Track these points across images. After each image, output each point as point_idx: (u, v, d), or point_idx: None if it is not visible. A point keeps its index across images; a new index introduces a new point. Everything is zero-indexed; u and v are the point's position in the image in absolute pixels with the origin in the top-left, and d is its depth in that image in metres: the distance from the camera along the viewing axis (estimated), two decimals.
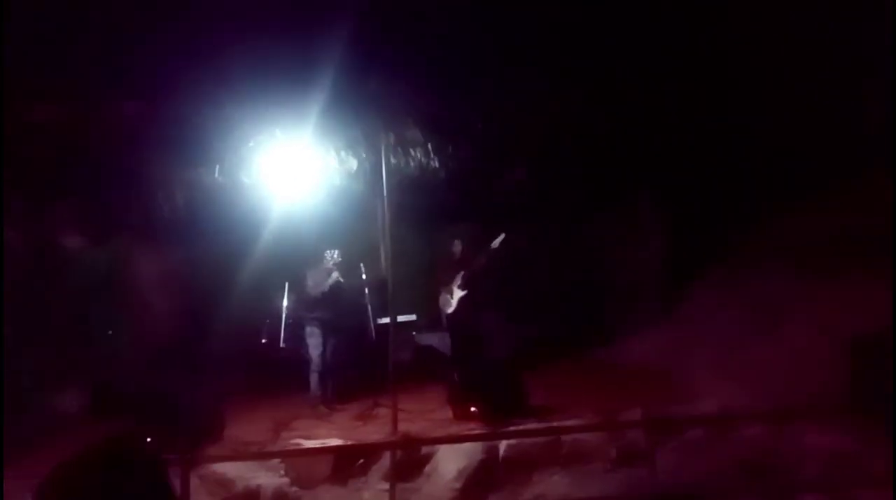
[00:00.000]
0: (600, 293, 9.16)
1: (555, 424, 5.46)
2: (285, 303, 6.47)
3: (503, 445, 5.28)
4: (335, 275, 6.68)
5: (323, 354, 6.73)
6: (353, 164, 6.29)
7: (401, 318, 8.03)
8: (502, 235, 7.40)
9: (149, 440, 5.60)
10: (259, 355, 7.96)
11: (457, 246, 7.76)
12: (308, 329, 6.77)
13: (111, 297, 8.59)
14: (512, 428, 5.48)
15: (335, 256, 6.69)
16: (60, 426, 7.10)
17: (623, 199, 8.45)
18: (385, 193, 5.59)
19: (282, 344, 6.60)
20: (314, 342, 6.73)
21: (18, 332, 7.52)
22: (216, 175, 5.82)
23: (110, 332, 8.67)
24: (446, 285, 7.58)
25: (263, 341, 8.04)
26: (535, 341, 8.25)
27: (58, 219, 8.06)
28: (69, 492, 0.93)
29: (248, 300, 7.55)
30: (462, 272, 7.42)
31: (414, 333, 8.58)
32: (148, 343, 8.69)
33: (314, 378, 6.73)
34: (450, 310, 7.55)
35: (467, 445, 5.35)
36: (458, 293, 7.48)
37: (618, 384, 6.82)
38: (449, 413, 6.01)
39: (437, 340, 8.53)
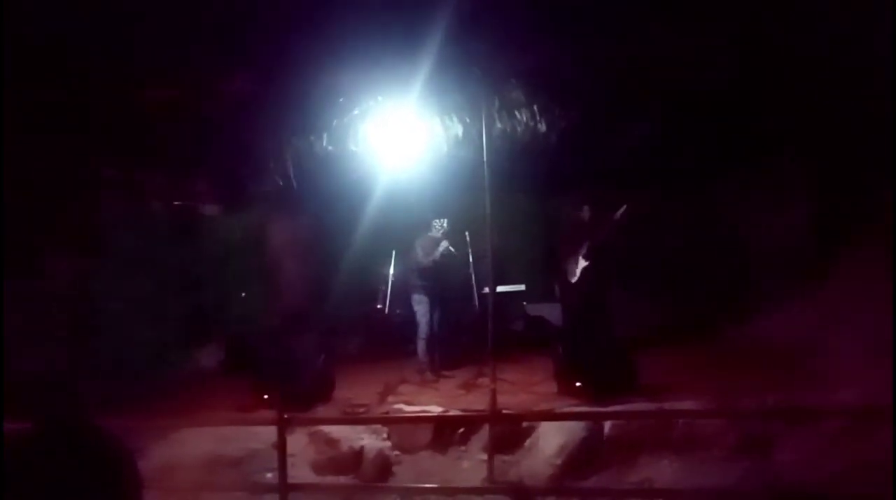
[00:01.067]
0: (735, 265, 8.37)
1: (665, 406, 5.08)
2: (392, 271, 6.53)
3: (608, 424, 5.03)
4: (444, 244, 6.66)
5: (430, 322, 6.78)
6: (458, 130, 6.13)
7: (508, 288, 7.92)
8: (624, 207, 6.95)
9: (266, 396, 6.03)
10: (373, 321, 8.24)
11: (585, 212, 7.40)
12: (416, 297, 6.84)
13: (245, 261, 9.28)
14: (617, 408, 5.18)
15: (444, 225, 6.65)
16: (200, 378, 7.86)
17: (761, 156, 7.58)
18: (489, 160, 5.39)
19: (389, 311, 6.70)
20: (422, 310, 6.79)
21: (162, 292, 8.36)
22: (325, 144, 5.93)
23: (244, 294, 9.40)
24: (571, 256, 7.27)
25: (379, 307, 8.31)
26: (662, 318, 7.74)
27: (195, 191, 8.79)
28: None
29: (360, 268, 7.78)
30: (587, 242, 7.07)
31: (525, 303, 8.42)
32: (276, 306, 9.33)
33: (421, 345, 6.81)
34: (573, 280, 7.26)
35: (570, 422, 5.16)
36: (582, 263, 7.14)
37: (747, 366, 6.22)
38: (553, 387, 5.82)
39: (547, 311, 8.30)
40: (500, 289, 7.61)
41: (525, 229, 8.89)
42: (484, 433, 5.19)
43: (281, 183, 6.42)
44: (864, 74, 5.95)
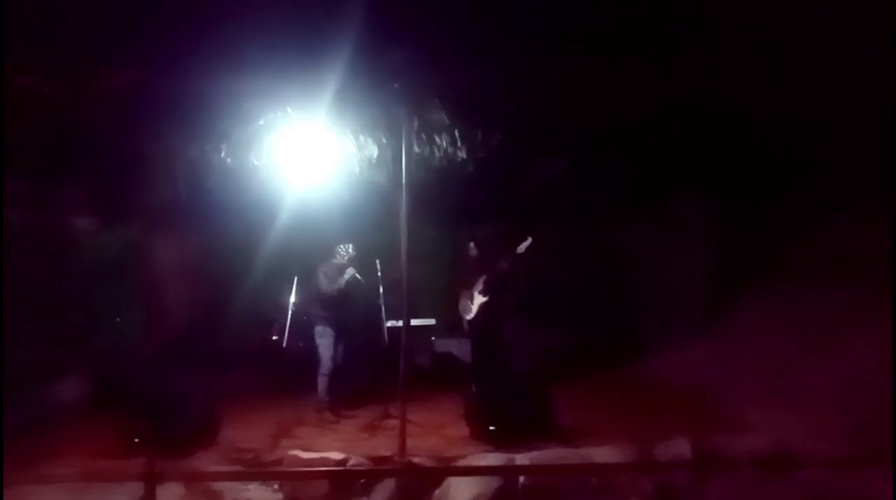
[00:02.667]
0: (635, 303, 8.50)
1: (582, 452, 4.83)
2: (293, 299, 5.93)
3: (525, 460, 4.71)
4: (350, 271, 6.16)
5: (334, 356, 6.21)
6: (373, 150, 5.72)
7: (418, 321, 7.51)
8: (528, 240, 6.78)
9: (136, 440, 5.19)
10: (266, 353, 7.51)
11: (472, 249, 7.15)
12: (319, 328, 6.25)
13: (119, 283, 8.23)
14: (532, 454, 4.86)
15: (349, 250, 6.16)
16: (59, 416, 6.74)
17: (664, 200, 7.76)
18: (406, 184, 4.99)
19: (286, 342, 6.07)
20: (325, 343, 6.20)
21: (21, 317, 7.18)
22: (222, 155, 5.30)
23: (118, 319, 8.30)
24: (466, 290, 6.98)
25: (274, 337, 7.59)
26: (562, 353, 7.63)
27: (64, 200, 7.72)
28: None
29: (255, 294, 7.08)
30: (483, 277, 6.83)
31: (433, 338, 8.03)
32: (154, 334, 8.34)
33: (322, 381, 6.20)
34: (469, 316, 6.95)
35: (482, 462, 4.78)
36: (479, 299, 6.88)
37: (654, 405, 6.17)
38: (465, 430, 5.42)
39: (456, 346, 7.97)
40: (414, 322, 7.20)
41: (435, 260, 8.55)
42: (389, 483, 4.69)
43: (168, 196, 5.66)
44: (763, 129, 6.21)
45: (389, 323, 6.17)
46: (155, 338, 8.34)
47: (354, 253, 6.14)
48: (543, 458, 4.83)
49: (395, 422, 5.73)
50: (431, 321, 7.71)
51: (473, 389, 5.46)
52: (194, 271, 8.19)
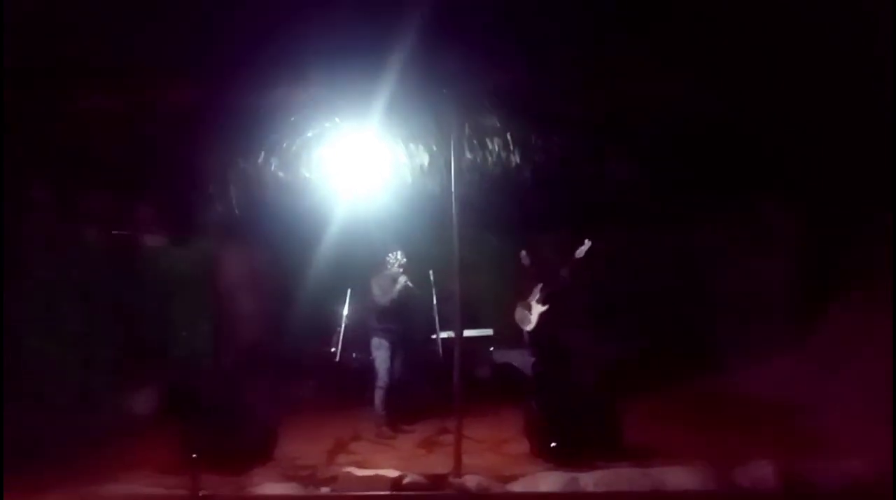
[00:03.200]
0: (713, 311, 7.93)
1: (653, 472, 4.48)
2: (346, 311, 5.85)
3: (590, 482, 4.41)
4: (403, 280, 6.03)
5: (390, 368, 6.08)
6: (424, 158, 5.59)
7: (475, 332, 7.31)
8: (587, 244, 6.47)
9: (193, 455, 5.20)
10: (325, 366, 7.49)
11: (525, 258, 6.90)
12: (375, 341, 6.15)
13: (190, 296, 8.45)
14: (600, 473, 4.54)
15: (399, 257, 6.03)
16: (130, 428, 6.91)
17: (746, 199, 7.22)
18: (457, 192, 4.83)
19: (342, 355, 5.99)
20: (382, 356, 6.09)
21: (97, 329, 7.47)
22: (273, 168, 5.29)
23: (184, 333, 8.51)
24: (523, 299, 6.72)
25: (332, 350, 7.57)
26: (632, 365, 7.21)
27: (135, 216, 8.00)
28: None
29: (312, 307, 7.07)
30: (541, 285, 6.56)
31: (491, 349, 7.80)
32: (226, 346, 8.51)
33: (379, 395, 6.09)
34: (528, 327, 6.68)
35: (546, 483, 4.51)
36: (538, 308, 6.61)
37: (733, 422, 5.69)
38: (525, 446, 5.16)
39: (516, 357, 7.70)
40: (466, 333, 7.00)
41: (493, 269, 8.33)
42: (449, 497, 4.50)
43: (221, 210, 5.71)
44: (855, 124, 5.65)
45: (444, 334, 5.98)
46: (226, 350, 8.54)
47: (405, 261, 6.01)
48: (610, 479, 4.51)
49: (451, 438, 5.53)
50: (489, 332, 7.48)
51: (534, 403, 5.19)
52: (256, 285, 8.33)
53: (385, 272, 6.06)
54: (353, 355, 7.08)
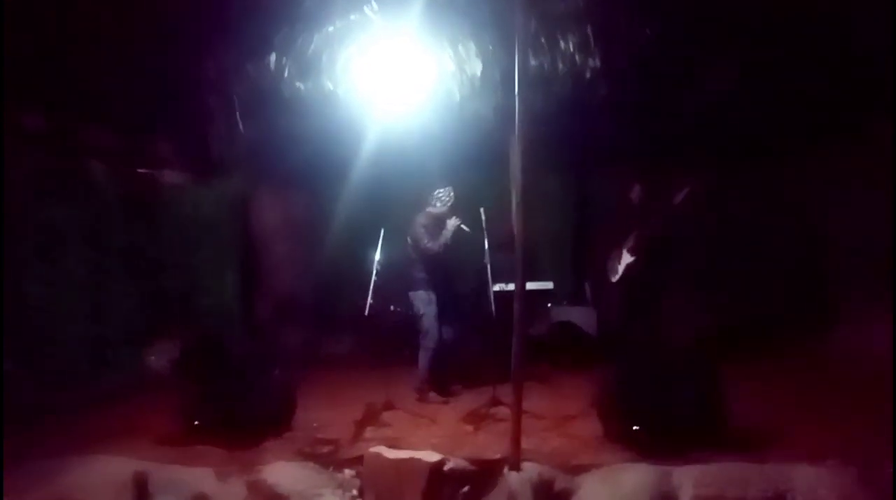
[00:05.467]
0: (826, 262, 6.60)
1: (770, 467, 3.40)
2: (378, 257, 4.84)
3: (689, 481, 3.36)
4: (455, 222, 4.99)
5: (439, 327, 5.11)
6: (477, 66, 4.43)
7: (533, 285, 6.25)
8: (688, 188, 5.27)
9: (196, 423, 4.39)
10: (357, 321, 6.58)
11: (637, 192, 5.74)
12: (421, 295, 5.17)
13: (215, 243, 7.64)
14: (700, 468, 3.49)
15: (450, 195, 4.98)
16: (141, 387, 6.19)
17: (861, 126, 5.82)
18: (519, 110, 3.68)
19: (370, 309, 5.01)
20: (430, 311, 5.12)
21: (107, 277, 6.72)
22: (285, 74, 4.23)
23: (214, 282, 7.73)
24: (616, 247, 5.60)
25: (370, 302, 6.65)
26: (733, 330, 6.01)
27: (152, 153, 7.15)
28: None
29: (340, 252, 6.12)
30: (635, 232, 5.44)
31: (549, 305, 6.72)
32: (249, 299, 7.73)
33: (425, 357, 5.14)
34: (614, 278, 5.58)
35: (628, 480, 3.49)
36: (627, 258, 5.50)
37: (863, 397, 4.48)
38: (597, 426, 4.11)
39: (579, 315, 6.61)
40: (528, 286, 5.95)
41: (552, 212, 7.20)
42: (502, 490, 3.54)
43: (230, 137, 4.71)
44: None
45: (497, 287, 4.92)
46: (254, 302, 7.75)
47: (453, 198, 4.95)
48: (714, 478, 3.45)
49: (504, 411, 4.56)
50: (549, 285, 6.40)
51: (612, 372, 4.12)
52: (286, 229, 7.45)
53: (431, 211, 5.03)
54: (392, 308, 6.14)
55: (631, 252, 5.63)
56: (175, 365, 6.83)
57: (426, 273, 5.14)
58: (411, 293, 5.21)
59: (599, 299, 6.42)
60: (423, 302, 5.14)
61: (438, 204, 5.05)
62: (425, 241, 5.04)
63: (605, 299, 6.15)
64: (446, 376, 5.32)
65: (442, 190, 4.98)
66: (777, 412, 4.19)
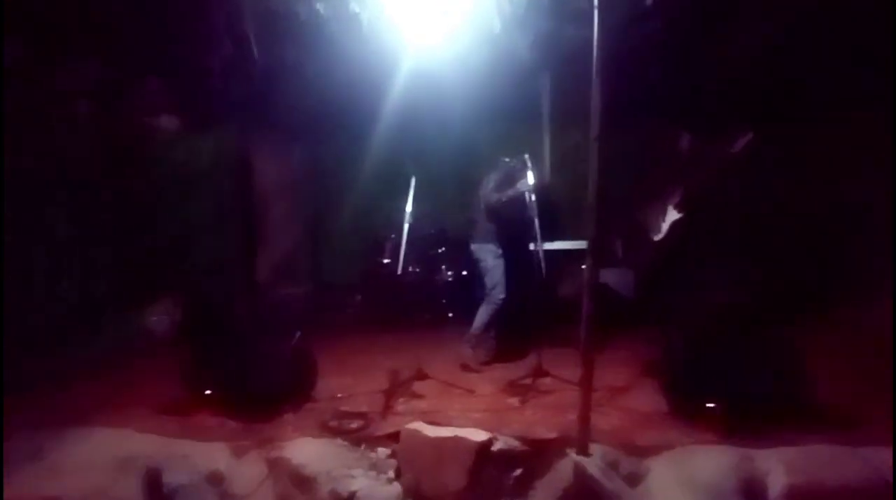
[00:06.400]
0: (860, 226, 6.14)
1: (864, 451, 2.98)
2: (409, 208, 4.29)
3: (779, 467, 2.94)
4: (526, 183, 4.49)
5: (506, 285, 4.69)
6: None
7: (568, 244, 5.76)
8: (749, 135, 4.74)
9: (206, 392, 3.90)
10: (380, 280, 6.08)
11: (685, 140, 5.22)
12: (489, 246, 4.72)
13: (213, 195, 7.01)
14: (787, 451, 3.07)
15: (527, 161, 4.49)
16: (136, 351, 5.69)
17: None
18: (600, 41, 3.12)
19: (403, 267, 4.50)
20: (499, 265, 4.69)
21: (95, 231, 6.14)
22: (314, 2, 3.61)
23: (205, 238, 7.14)
24: (660, 202, 5.10)
25: (387, 261, 6.15)
26: (762, 296, 5.57)
27: (144, 93, 6.47)
28: None
29: (363, 202, 5.55)
30: (681, 187, 4.95)
31: (582, 267, 6.21)
32: (252, 256, 7.16)
33: (487, 313, 4.71)
34: (658, 237, 5.09)
35: (705, 463, 3.07)
36: (673, 215, 5.01)
37: None
38: (661, 402, 3.66)
39: (614, 277, 6.12)
40: (558, 245, 5.46)
41: (582, 165, 6.63)
42: (560, 474, 3.11)
43: (227, 60, 4.08)
44: None
45: (548, 246, 4.43)
46: (257, 259, 7.19)
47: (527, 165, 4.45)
48: (806, 462, 3.02)
49: (552, 383, 4.11)
50: (583, 245, 5.88)
51: (676, 339, 3.65)
52: (294, 177, 6.83)
53: (505, 169, 4.61)
54: (410, 269, 5.63)
55: (678, 208, 5.13)
56: (178, 327, 6.38)
57: (496, 226, 4.71)
58: (475, 246, 4.79)
59: (637, 259, 5.93)
60: (493, 254, 4.71)
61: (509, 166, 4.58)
62: (489, 195, 4.59)
63: (644, 259, 5.66)
64: (491, 342, 4.90)
65: (518, 158, 4.49)
66: (848, 388, 3.75)
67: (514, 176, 4.58)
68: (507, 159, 4.65)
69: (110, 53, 5.66)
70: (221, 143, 6.77)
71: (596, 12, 3.04)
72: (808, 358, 3.44)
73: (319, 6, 3.76)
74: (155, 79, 6.38)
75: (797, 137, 5.94)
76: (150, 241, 6.54)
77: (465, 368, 4.63)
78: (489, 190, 4.62)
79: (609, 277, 6.11)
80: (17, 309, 5.16)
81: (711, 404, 3.36)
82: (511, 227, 4.70)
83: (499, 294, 4.66)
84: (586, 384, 3.04)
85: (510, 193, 4.51)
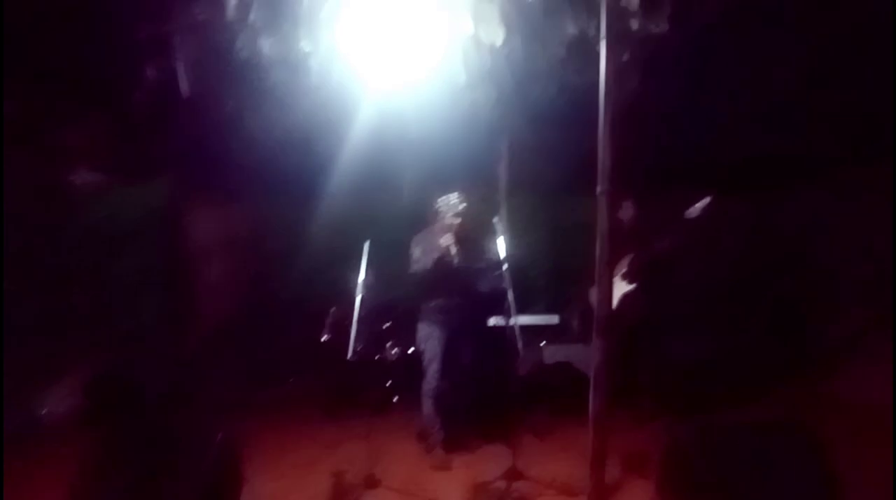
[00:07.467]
0: (817, 298, 5.97)
1: None
2: (362, 278, 3.71)
3: None
4: (446, 240, 3.97)
5: (441, 367, 4.05)
6: (497, 35, 3.44)
7: (534, 319, 5.32)
8: (707, 200, 4.44)
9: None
10: (323, 362, 5.38)
11: (627, 209, 4.90)
12: (423, 326, 4.12)
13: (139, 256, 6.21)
14: None
15: (458, 204, 3.96)
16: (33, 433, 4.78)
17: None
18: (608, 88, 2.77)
19: (355, 348, 3.87)
20: (431, 347, 4.06)
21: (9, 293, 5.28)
22: (248, 34, 3.11)
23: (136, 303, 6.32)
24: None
25: (328, 338, 5.48)
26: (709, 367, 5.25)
27: (68, 141, 5.78)
28: None
29: (308, 271, 4.93)
30: (633, 255, 4.59)
31: (542, 343, 5.72)
32: (187, 326, 6.39)
33: (427, 406, 4.04)
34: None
35: None
36: (623, 287, 4.63)
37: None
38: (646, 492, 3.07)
39: (573, 353, 5.64)
40: (525, 321, 4.94)
41: (540, 234, 6.30)
42: None
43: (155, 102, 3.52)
44: None
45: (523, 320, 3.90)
46: (188, 331, 6.40)
47: (464, 207, 3.92)
48: None
49: (530, 488, 3.47)
50: (553, 319, 5.44)
51: (678, 439, 3.11)
52: (231, 237, 6.18)
53: (434, 226, 3.99)
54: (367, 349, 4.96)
55: (627, 278, 4.75)
56: (78, 407, 5.47)
57: (429, 299, 4.12)
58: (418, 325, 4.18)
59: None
60: (424, 337, 4.10)
61: (441, 215, 4.01)
62: (422, 262, 4.01)
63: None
64: (457, 429, 4.20)
65: (448, 197, 3.95)
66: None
67: (437, 235, 4.04)
68: (446, 197, 4.06)
69: (24, 90, 4.99)
70: (150, 196, 6.11)
71: (603, 65, 2.66)
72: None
73: (264, 43, 3.25)
74: (75, 122, 5.73)
75: (761, 201, 5.83)
76: (61, 304, 5.70)
77: (430, 459, 3.95)
78: (418, 259, 4.02)
79: (569, 353, 5.64)
80: None
81: None
82: (456, 295, 4.09)
83: (428, 385, 4.01)
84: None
85: (428, 260, 3.93)
